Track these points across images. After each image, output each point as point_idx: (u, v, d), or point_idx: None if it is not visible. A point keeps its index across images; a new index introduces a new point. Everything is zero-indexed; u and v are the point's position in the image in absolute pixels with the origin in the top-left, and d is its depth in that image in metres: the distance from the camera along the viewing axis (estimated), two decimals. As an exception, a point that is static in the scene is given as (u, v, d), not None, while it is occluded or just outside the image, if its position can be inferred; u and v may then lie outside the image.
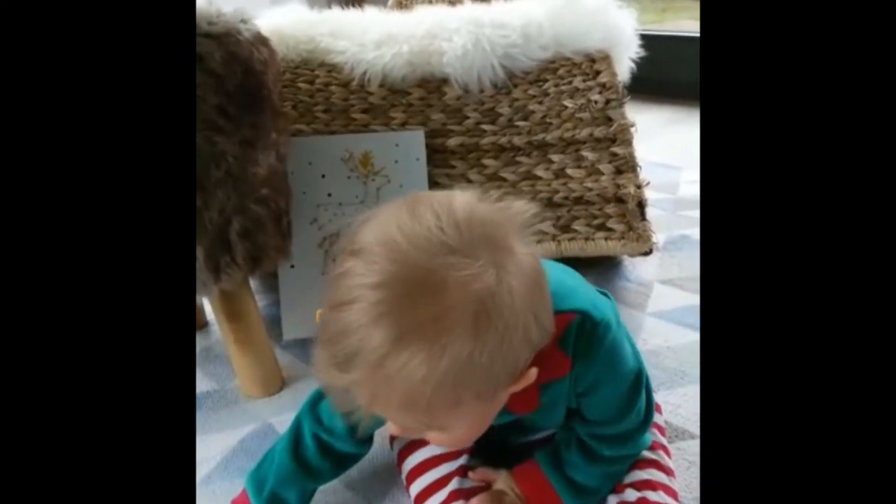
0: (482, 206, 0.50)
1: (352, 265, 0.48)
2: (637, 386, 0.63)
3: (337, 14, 1.11)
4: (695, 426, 0.80)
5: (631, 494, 0.64)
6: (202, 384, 0.93)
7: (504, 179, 1.05)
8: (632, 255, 1.13)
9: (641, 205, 1.08)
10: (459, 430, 0.54)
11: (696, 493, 0.71)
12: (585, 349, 0.58)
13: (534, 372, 0.52)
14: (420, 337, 0.45)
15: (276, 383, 0.90)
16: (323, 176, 0.99)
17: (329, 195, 0.99)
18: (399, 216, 0.48)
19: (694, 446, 0.77)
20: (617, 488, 0.66)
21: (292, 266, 0.97)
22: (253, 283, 0.97)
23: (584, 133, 1.06)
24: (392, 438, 0.74)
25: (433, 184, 1.03)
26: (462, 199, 0.50)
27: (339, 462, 0.69)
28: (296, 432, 0.68)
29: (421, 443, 0.70)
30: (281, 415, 0.85)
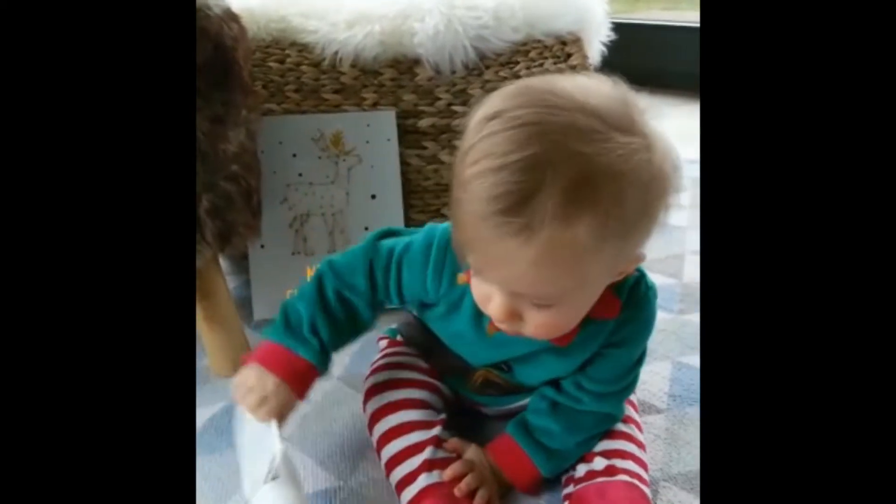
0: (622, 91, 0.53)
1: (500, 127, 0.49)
2: (642, 358, 0.69)
3: (308, -7, 1.11)
4: (661, 401, 0.82)
5: (599, 462, 0.66)
6: (172, 364, 0.92)
7: (475, 161, 1.06)
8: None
9: (611, 187, 1.10)
10: (567, 310, 0.55)
11: (661, 465, 0.73)
12: (634, 304, 0.63)
13: (639, 260, 0.57)
14: (591, 204, 0.47)
15: (246, 362, 0.90)
16: (294, 155, 0.99)
17: (300, 175, 0.99)
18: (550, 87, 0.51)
19: (660, 420, 0.79)
20: (586, 457, 0.67)
21: (262, 246, 0.97)
22: (223, 265, 0.96)
23: (554, 115, 1.07)
24: (365, 401, 0.74)
25: (405, 164, 1.03)
26: (602, 84, 0.52)
27: (353, 321, 0.69)
28: (319, 284, 0.67)
29: (392, 408, 0.71)
30: (251, 393, 0.85)
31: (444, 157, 1.05)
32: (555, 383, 0.69)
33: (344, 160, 1.00)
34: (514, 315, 0.55)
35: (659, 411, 0.81)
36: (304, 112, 1.02)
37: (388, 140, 1.01)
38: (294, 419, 0.80)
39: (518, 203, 0.47)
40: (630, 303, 0.63)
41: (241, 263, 1.07)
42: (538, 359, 0.66)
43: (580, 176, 0.47)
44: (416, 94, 1.04)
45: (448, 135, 1.05)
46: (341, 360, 0.91)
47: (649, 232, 0.53)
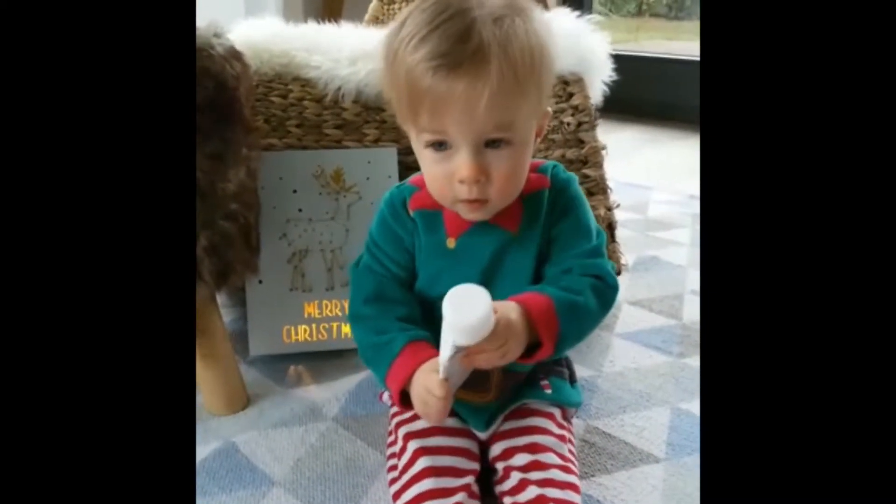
0: None
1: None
2: (600, 237, 0.72)
3: (312, 29, 1.11)
4: (659, 450, 0.81)
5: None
6: (165, 400, 0.91)
7: (476, 198, 1.05)
8: (601, 276, 1.13)
9: (611, 227, 1.10)
10: (519, 152, 0.64)
11: (659, 517, 0.71)
12: (559, 184, 0.71)
13: (549, 115, 0.69)
14: (514, 34, 0.59)
15: (240, 400, 0.89)
16: (294, 191, 0.99)
17: (300, 210, 0.99)
18: None
19: (658, 470, 0.78)
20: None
21: (260, 281, 0.96)
22: (220, 297, 0.96)
23: (556, 154, 1.07)
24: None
25: (405, 201, 1.03)
26: None
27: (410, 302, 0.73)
28: (365, 327, 0.71)
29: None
30: (245, 433, 0.84)
31: (444, 194, 1.04)
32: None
33: (344, 196, 1.00)
34: (482, 170, 0.62)
35: (657, 461, 0.79)
36: (305, 147, 1.02)
37: (389, 177, 1.01)
38: (288, 462, 0.79)
39: (463, 34, 0.58)
40: (555, 182, 0.71)
41: (238, 295, 1.06)
42: (504, 264, 0.69)
43: (497, 14, 0.59)
44: (417, 131, 1.04)
45: (449, 172, 1.05)
46: (336, 401, 0.91)
47: (551, 81, 0.67)
